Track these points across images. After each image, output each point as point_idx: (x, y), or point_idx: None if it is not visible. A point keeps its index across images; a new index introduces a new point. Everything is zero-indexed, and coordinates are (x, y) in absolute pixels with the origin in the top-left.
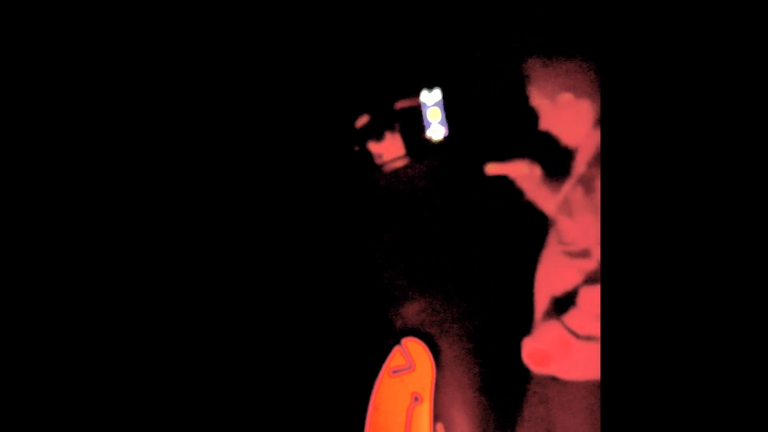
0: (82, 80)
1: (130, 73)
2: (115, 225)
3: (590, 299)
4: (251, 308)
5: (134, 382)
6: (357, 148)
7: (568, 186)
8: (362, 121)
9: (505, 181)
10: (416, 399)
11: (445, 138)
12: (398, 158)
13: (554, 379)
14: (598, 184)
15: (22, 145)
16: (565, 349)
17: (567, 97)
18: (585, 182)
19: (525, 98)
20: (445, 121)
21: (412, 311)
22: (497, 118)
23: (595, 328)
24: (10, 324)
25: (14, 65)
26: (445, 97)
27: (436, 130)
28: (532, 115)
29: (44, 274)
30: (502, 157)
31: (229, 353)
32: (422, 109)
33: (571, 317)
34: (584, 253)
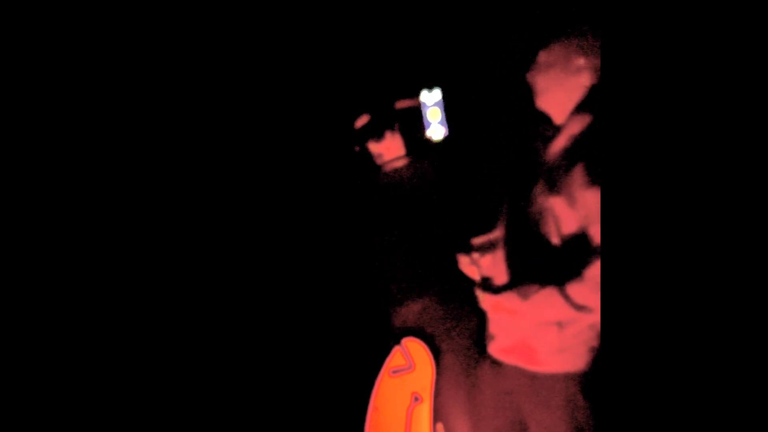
0: (82, 80)
1: (129, 74)
2: (115, 225)
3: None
4: (252, 308)
5: (134, 382)
6: (357, 148)
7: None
8: (362, 121)
9: (505, 181)
10: (416, 399)
11: (445, 138)
12: (398, 158)
13: (525, 371)
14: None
15: (22, 145)
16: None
17: (579, 62)
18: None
19: (524, 98)
20: (445, 121)
21: (412, 311)
22: (497, 119)
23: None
24: (10, 324)
25: (14, 65)
26: (445, 97)
27: (436, 130)
28: (532, 115)
29: (44, 274)
30: (502, 156)
31: (230, 353)
32: (422, 109)
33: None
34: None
